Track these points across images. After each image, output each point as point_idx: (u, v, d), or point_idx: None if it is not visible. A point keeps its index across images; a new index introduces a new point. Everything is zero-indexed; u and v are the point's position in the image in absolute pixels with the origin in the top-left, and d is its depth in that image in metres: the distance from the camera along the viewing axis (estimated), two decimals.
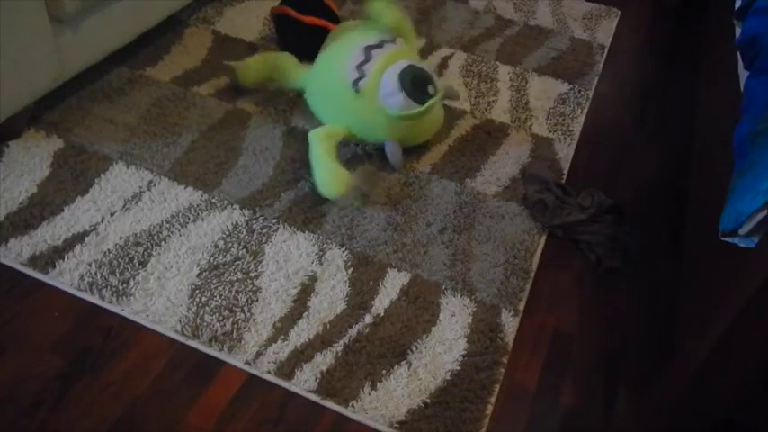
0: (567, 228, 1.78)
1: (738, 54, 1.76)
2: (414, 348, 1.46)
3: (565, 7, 2.85)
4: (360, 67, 1.82)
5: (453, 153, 1.99)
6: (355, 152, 1.93)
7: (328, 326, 1.48)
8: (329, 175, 1.73)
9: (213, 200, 1.73)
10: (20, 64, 1.68)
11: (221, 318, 1.46)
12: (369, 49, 1.85)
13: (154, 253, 1.57)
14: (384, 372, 1.41)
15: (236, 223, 1.68)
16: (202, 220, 1.67)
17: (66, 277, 1.49)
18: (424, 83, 1.81)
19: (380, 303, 1.54)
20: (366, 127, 1.87)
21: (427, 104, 1.78)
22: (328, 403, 1.35)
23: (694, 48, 2.67)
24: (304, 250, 1.64)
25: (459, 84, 2.28)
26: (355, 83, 1.81)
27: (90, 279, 1.49)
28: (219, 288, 1.52)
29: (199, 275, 1.54)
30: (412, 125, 1.86)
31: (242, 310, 1.48)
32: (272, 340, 1.43)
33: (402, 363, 1.43)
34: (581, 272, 1.71)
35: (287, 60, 2.03)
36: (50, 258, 1.52)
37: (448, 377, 1.42)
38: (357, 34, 1.93)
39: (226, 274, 1.55)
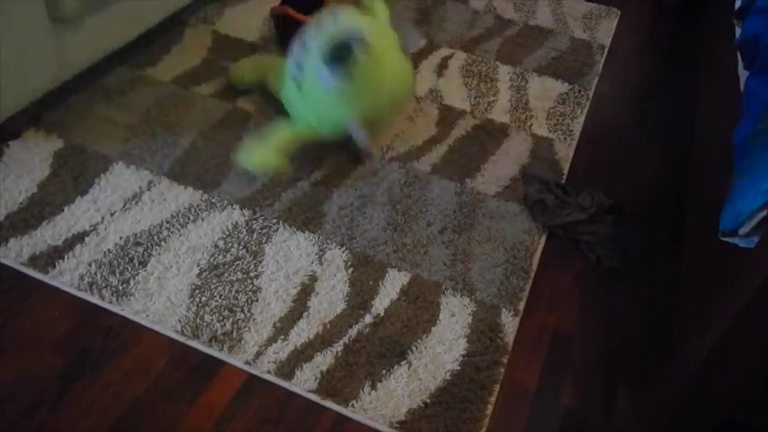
0: (567, 228, 1.78)
1: (738, 54, 1.76)
2: (414, 348, 1.46)
3: (565, 7, 2.85)
4: (299, 62, 1.75)
5: (453, 153, 1.99)
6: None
7: (328, 326, 1.48)
8: (260, 153, 1.75)
9: (213, 200, 1.73)
10: (20, 64, 1.68)
11: (221, 318, 1.46)
12: (305, 41, 1.74)
13: (154, 253, 1.57)
14: (384, 372, 1.41)
15: (236, 223, 1.68)
16: (202, 220, 1.67)
17: (67, 277, 1.49)
18: (346, 48, 1.63)
19: (380, 303, 1.54)
20: (325, 119, 1.79)
21: (353, 65, 1.63)
22: (328, 403, 1.35)
23: (694, 48, 2.67)
24: (304, 250, 1.64)
25: (459, 84, 2.28)
26: (298, 79, 1.76)
27: (90, 279, 1.49)
28: (219, 288, 1.52)
29: (199, 275, 1.54)
30: (365, 95, 1.73)
31: (242, 310, 1.48)
32: (272, 340, 1.43)
33: (402, 363, 1.43)
34: (581, 272, 1.71)
35: (277, 66, 2.00)
36: (50, 258, 1.52)
37: (448, 377, 1.42)
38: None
39: (226, 274, 1.55)
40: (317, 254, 1.63)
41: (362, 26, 1.69)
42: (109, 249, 1.56)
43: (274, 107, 2.05)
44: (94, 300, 1.47)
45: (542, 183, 1.88)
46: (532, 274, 1.67)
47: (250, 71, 2.06)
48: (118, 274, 1.51)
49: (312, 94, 1.76)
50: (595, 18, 2.81)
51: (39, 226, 1.59)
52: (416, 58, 2.37)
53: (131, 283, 1.50)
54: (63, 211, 1.64)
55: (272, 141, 1.77)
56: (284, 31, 2.24)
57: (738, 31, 1.89)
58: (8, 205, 1.63)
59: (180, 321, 1.44)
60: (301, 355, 1.41)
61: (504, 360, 1.47)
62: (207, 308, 1.48)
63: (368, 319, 1.51)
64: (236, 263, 1.58)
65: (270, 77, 2.02)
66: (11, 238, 1.55)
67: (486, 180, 1.91)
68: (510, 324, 1.54)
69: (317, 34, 1.71)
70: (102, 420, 1.27)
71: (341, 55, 1.64)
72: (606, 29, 2.75)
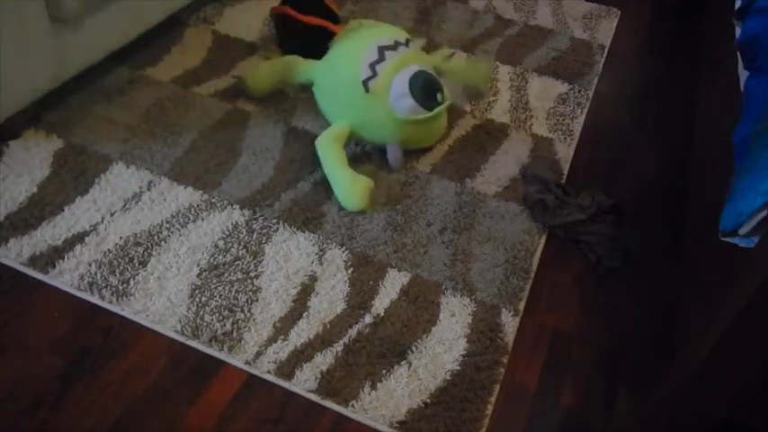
0: (567, 228, 1.78)
1: (738, 54, 1.76)
2: (414, 348, 1.46)
3: (565, 7, 2.85)
4: (373, 66, 1.82)
5: (453, 153, 1.99)
6: (355, 152, 1.93)
7: (328, 326, 1.48)
8: (350, 189, 1.74)
9: (213, 200, 1.73)
10: (20, 64, 1.68)
11: (221, 318, 1.46)
12: (382, 49, 1.85)
13: (154, 253, 1.57)
14: (384, 372, 1.41)
15: (236, 223, 1.68)
16: (202, 220, 1.67)
17: (67, 277, 1.49)
18: (434, 89, 1.83)
19: (380, 303, 1.54)
20: (371, 127, 1.87)
21: (435, 111, 1.80)
22: (328, 403, 1.35)
23: (694, 48, 2.67)
24: (304, 250, 1.64)
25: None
26: (366, 82, 1.81)
27: (90, 279, 1.49)
28: (219, 288, 1.52)
29: (199, 275, 1.54)
30: (417, 130, 1.87)
31: (242, 310, 1.48)
32: (272, 340, 1.43)
33: (402, 363, 1.43)
34: (581, 272, 1.71)
35: (294, 58, 2.03)
36: (50, 258, 1.52)
37: (448, 377, 1.42)
38: (372, 33, 1.92)
39: (226, 274, 1.55)
40: (316, 254, 1.63)
41: (433, 72, 1.90)
42: (109, 249, 1.56)
43: (274, 107, 2.05)
44: (94, 300, 1.47)
45: (542, 183, 1.88)
46: (532, 274, 1.67)
47: (269, 77, 2.05)
48: (118, 274, 1.51)
49: (377, 100, 1.82)
50: (595, 18, 2.81)
51: (39, 226, 1.59)
52: None
53: (131, 283, 1.50)
54: (63, 211, 1.64)
55: (341, 173, 1.78)
56: (284, 30, 2.24)
57: (738, 31, 1.89)
58: (8, 205, 1.63)
59: (180, 321, 1.44)
60: (301, 355, 1.41)
61: (504, 360, 1.47)
62: (207, 308, 1.48)
63: (368, 319, 1.51)
64: (236, 263, 1.58)
65: (287, 74, 2.02)
66: (11, 238, 1.55)
67: (486, 180, 1.91)
68: (510, 324, 1.54)
69: (397, 59, 1.84)
70: (102, 420, 1.27)
71: (428, 91, 1.81)
72: (606, 29, 2.75)
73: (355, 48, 1.89)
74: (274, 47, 2.30)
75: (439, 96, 1.83)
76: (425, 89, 1.80)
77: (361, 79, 1.82)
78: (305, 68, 2.00)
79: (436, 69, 2.00)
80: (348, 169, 1.78)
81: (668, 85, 2.49)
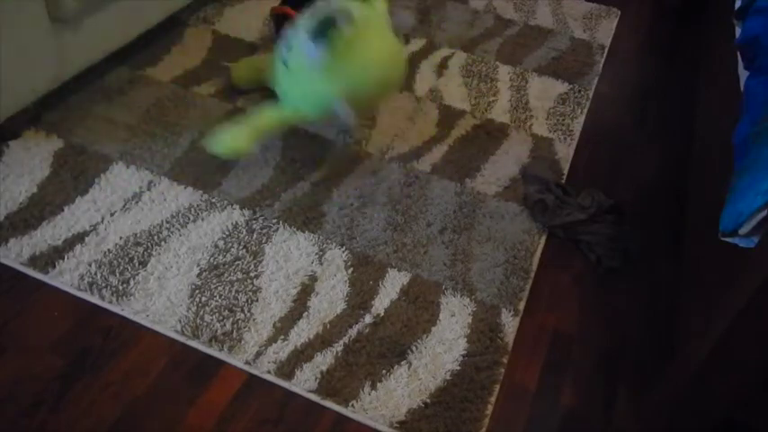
0: (567, 228, 1.78)
1: (738, 54, 1.76)
2: (414, 348, 1.46)
3: (565, 7, 2.85)
4: (288, 43, 1.72)
5: (453, 153, 1.99)
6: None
7: (328, 326, 1.48)
8: (231, 136, 1.71)
9: (213, 200, 1.73)
10: (20, 64, 1.68)
11: (221, 318, 1.46)
12: (297, 24, 1.72)
13: (154, 253, 1.57)
14: (384, 372, 1.41)
15: (236, 223, 1.68)
16: (202, 220, 1.67)
17: (67, 277, 1.49)
18: (332, 21, 1.59)
19: (380, 303, 1.54)
20: (311, 97, 1.73)
21: (337, 38, 1.58)
22: (328, 403, 1.35)
23: (694, 48, 2.67)
24: (304, 250, 1.64)
25: (459, 84, 2.28)
26: (285, 59, 1.72)
27: (90, 279, 1.49)
28: (219, 288, 1.52)
29: (199, 275, 1.54)
30: (351, 71, 1.67)
31: (242, 310, 1.48)
32: (272, 340, 1.43)
33: (402, 363, 1.43)
34: (581, 272, 1.71)
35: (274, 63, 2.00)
36: (50, 258, 1.52)
37: (448, 377, 1.42)
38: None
39: (226, 274, 1.55)
40: (316, 254, 1.63)
41: (351, 7, 1.65)
42: (109, 249, 1.56)
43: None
44: (94, 300, 1.46)
45: (542, 183, 1.88)
46: (532, 274, 1.67)
47: (250, 71, 2.06)
48: (118, 274, 1.51)
49: (298, 71, 1.70)
50: (595, 18, 2.81)
51: (39, 226, 1.59)
52: (416, 58, 2.37)
53: (131, 283, 1.50)
54: (63, 211, 1.64)
55: (248, 124, 1.73)
56: (284, 30, 2.24)
57: (738, 31, 1.89)
58: (8, 205, 1.63)
59: (180, 321, 1.44)
60: (301, 355, 1.41)
61: (504, 360, 1.47)
62: (207, 308, 1.48)
63: (368, 319, 1.51)
64: (236, 263, 1.58)
65: (270, 75, 2.01)
66: (11, 238, 1.55)
67: (486, 180, 1.91)
68: (510, 324, 1.54)
69: (308, 15, 1.68)
70: (102, 420, 1.27)
71: (326, 29, 1.58)
72: (606, 29, 2.75)
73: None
74: (274, 47, 2.29)
75: (340, 21, 1.59)
76: (321, 25, 1.59)
77: (282, 61, 1.73)
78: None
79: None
80: (245, 128, 1.73)
81: (668, 85, 2.49)
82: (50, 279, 1.49)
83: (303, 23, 1.66)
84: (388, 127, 2.05)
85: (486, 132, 2.09)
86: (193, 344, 1.41)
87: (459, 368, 1.43)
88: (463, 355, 1.46)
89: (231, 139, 1.72)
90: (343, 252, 1.64)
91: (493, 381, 1.42)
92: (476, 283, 1.62)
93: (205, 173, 1.80)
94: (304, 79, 1.71)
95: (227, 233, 1.65)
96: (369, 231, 1.71)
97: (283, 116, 1.80)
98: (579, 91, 2.34)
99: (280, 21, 2.23)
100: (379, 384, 1.38)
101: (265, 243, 1.64)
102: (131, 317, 1.44)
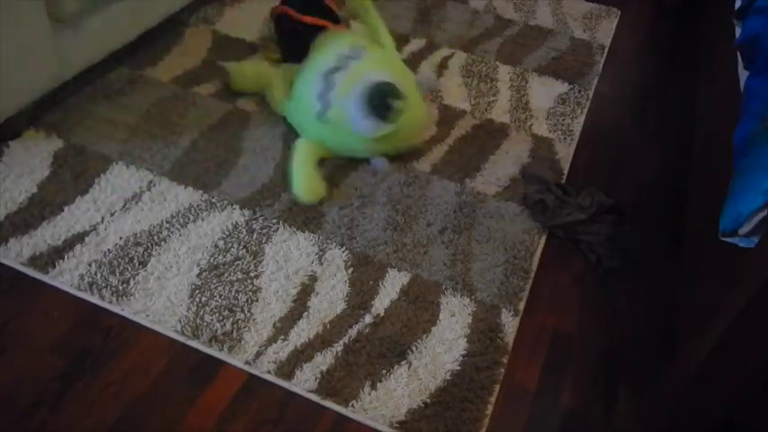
0: (567, 228, 1.78)
1: (738, 54, 1.76)
2: (414, 348, 1.46)
3: (565, 7, 2.85)
4: (322, 96, 1.81)
5: (453, 153, 1.99)
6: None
7: (328, 326, 1.48)
8: (306, 182, 1.75)
9: (213, 200, 1.73)
10: (20, 64, 1.68)
11: (221, 318, 1.46)
12: (327, 74, 1.82)
13: (154, 253, 1.57)
14: (384, 372, 1.41)
15: (236, 223, 1.68)
16: (202, 220, 1.67)
17: (66, 277, 1.49)
18: (385, 97, 1.75)
19: (380, 303, 1.54)
20: (346, 148, 1.88)
21: (398, 121, 1.76)
22: (328, 403, 1.35)
23: (694, 48, 2.67)
24: (304, 250, 1.64)
25: (459, 84, 2.28)
26: (321, 114, 1.81)
27: (90, 279, 1.49)
28: (219, 288, 1.52)
29: (199, 275, 1.54)
30: (392, 137, 1.83)
31: (242, 310, 1.48)
32: (272, 340, 1.43)
33: (402, 363, 1.43)
34: (581, 272, 1.71)
35: (277, 81, 2.02)
36: (50, 258, 1.52)
37: (448, 377, 1.42)
38: (318, 58, 1.89)
39: (226, 274, 1.55)
40: (317, 254, 1.63)
41: (388, 72, 1.82)
42: (109, 249, 1.56)
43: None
44: (94, 300, 1.47)
45: (542, 183, 1.88)
46: (532, 274, 1.67)
47: (247, 79, 2.05)
48: (118, 274, 1.51)
49: (339, 129, 1.82)
50: (595, 18, 2.81)
51: (39, 226, 1.59)
52: (416, 58, 2.37)
53: (131, 283, 1.50)
54: (63, 211, 1.64)
55: (305, 168, 1.78)
56: (284, 31, 2.24)
57: (738, 31, 1.89)
58: (8, 205, 1.63)
59: (180, 321, 1.44)
60: (301, 355, 1.41)
61: (504, 360, 1.47)
62: (207, 308, 1.48)
63: (368, 319, 1.51)
64: (236, 263, 1.58)
65: (269, 91, 2.02)
66: (11, 238, 1.55)
67: (486, 180, 1.91)
68: (510, 324, 1.54)
69: (346, 78, 1.79)
70: (102, 420, 1.27)
71: (381, 102, 1.75)
72: (606, 29, 2.75)
73: (306, 81, 1.87)
74: (274, 46, 2.30)
75: (394, 102, 1.76)
76: (377, 101, 1.75)
77: (316, 113, 1.81)
78: (278, 104, 1.99)
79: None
80: (313, 168, 1.79)
81: (668, 85, 2.49)
82: (50, 279, 1.49)
83: (356, 96, 1.75)
84: None
85: (486, 132, 2.09)
86: (193, 344, 1.41)
87: (459, 368, 1.43)
88: (463, 355, 1.46)
89: (311, 191, 1.76)
90: (343, 252, 1.64)
91: (493, 381, 1.42)
92: (476, 283, 1.62)
93: (205, 173, 1.80)
94: (344, 136, 1.83)
95: (227, 233, 1.65)
96: (369, 231, 1.71)
97: (322, 151, 1.86)
98: (579, 91, 2.34)
99: (280, 21, 2.23)
100: (379, 384, 1.38)
101: (265, 243, 1.64)
102: (131, 317, 1.44)
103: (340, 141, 1.86)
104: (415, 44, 2.45)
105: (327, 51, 1.89)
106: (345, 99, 1.77)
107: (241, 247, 1.62)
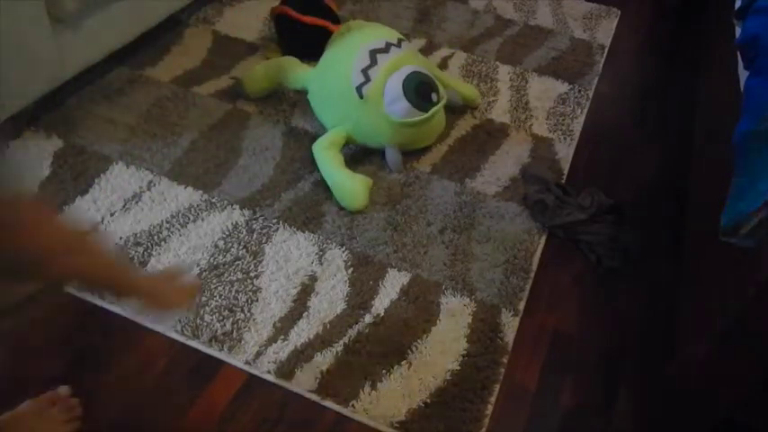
0: (567, 228, 1.78)
1: (738, 54, 1.76)
2: (414, 348, 1.46)
3: (565, 7, 2.85)
4: (365, 71, 1.82)
5: (453, 153, 1.99)
6: (354, 152, 1.93)
7: (328, 326, 1.48)
8: (349, 189, 1.74)
9: (213, 200, 1.73)
10: (20, 64, 1.68)
11: (221, 318, 1.46)
12: (374, 53, 1.84)
13: (154, 253, 1.57)
14: (384, 372, 1.41)
15: (236, 223, 1.68)
16: (202, 220, 1.67)
17: None
18: (428, 90, 1.82)
19: (380, 303, 1.54)
20: (368, 131, 1.87)
21: (431, 112, 1.80)
22: (328, 403, 1.35)
23: (694, 48, 2.66)
24: (304, 250, 1.64)
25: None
26: (359, 88, 1.81)
27: None
28: (219, 288, 1.52)
29: (199, 275, 1.54)
30: (415, 131, 1.87)
31: (242, 310, 1.48)
32: (272, 340, 1.43)
33: (402, 363, 1.43)
34: (581, 272, 1.71)
35: (288, 61, 2.03)
36: None
37: (448, 377, 1.42)
38: (363, 36, 1.92)
39: (226, 274, 1.55)
40: (317, 254, 1.63)
41: (428, 70, 1.89)
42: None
43: (274, 107, 2.05)
44: (94, 299, 1.46)
45: (542, 183, 1.88)
46: (532, 274, 1.67)
47: (264, 80, 2.03)
48: None
49: (371, 109, 1.83)
50: (595, 18, 2.81)
51: None
52: None
53: None
54: (63, 210, 1.64)
55: (339, 173, 1.77)
56: (284, 30, 2.24)
57: (738, 31, 1.89)
58: None
59: (180, 321, 1.44)
60: (301, 355, 1.41)
61: (504, 360, 1.47)
62: (207, 308, 1.48)
63: (368, 318, 1.51)
64: (236, 263, 1.58)
65: (282, 78, 2.02)
66: None
67: (486, 180, 1.91)
68: (510, 324, 1.54)
69: (390, 61, 1.84)
70: (102, 420, 1.27)
71: (422, 93, 1.80)
72: (606, 29, 2.75)
73: (347, 53, 1.88)
74: (274, 46, 2.30)
75: (434, 96, 1.83)
76: (419, 90, 1.80)
77: (354, 86, 1.82)
78: (298, 76, 1.99)
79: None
80: (345, 170, 1.78)
81: (668, 85, 2.49)
82: None
83: (398, 78, 1.79)
84: None
85: (487, 132, 2.09)
86: (193, 344, 1.41)
87: (458, 368, 1.43)
88: (463, 355, 1.46)
89: (359, 195, 1.75)
90: (343, 252, 1.64)
91: (493, 381, 1.42)
92: (476, 283, 1.62)
93: (205, 173, 1.80)
94: (372, 116, 1.83)
95: (227, 233, 1.65)
96: (369, 231, 1.71)
97: (343, 142, 1.86)
98: (579, 91, 2.34)
99: (280, 21, 2.23)
100: (379, 384, 1.38)
101: (265, 243, 1.64)
102: (131, 317, 1.44)
103: (365, 121, 1.84)
104: (416, 44, 2.45)
105: (372, 34, 1.92)
106: (387, 78, 1.80)
107: (241, 247, 1.62)
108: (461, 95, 2.11)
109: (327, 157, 1.80)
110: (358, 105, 1.83)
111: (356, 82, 1.82)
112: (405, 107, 1.78)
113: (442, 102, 1.85)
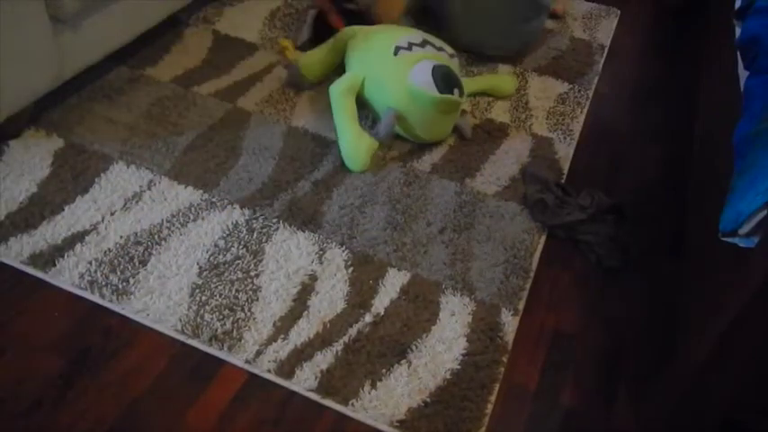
0: (567, 228, 1.78)
1: (738, 54, 1.76)
2: (414, 348, 1.46)
3: (565, 7, 2.84)
4: (410, 44, 1.95)
5: (453, 153, 1.99)
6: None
7: (328, 325, 1.48)
8: (354, 149, 1.83)
9: (213, 199, 1.73)
10: (20, 64, 1.68)
11: (221, 317, 1.46)
12: (411, 44, 1.96)
13: (154, 252, 1.57)
14: (384, 371, 1.41)
15: (237, 222, 1.68)
16: (202, 219, 1.67)
17: (67, 276, 1.49)
18: (453, 83, 1.88)
19: (380, 302, 1.54)
20: (381, 86, 1.93)
21: (444, 96, 1.84)
22: (328, 402, 1.35)
23: (694, 48, 2.67)
24: (304, 249, 1.64)
25: None
26: (398, 49, 1.92)
27: (90, 278, 1.49)
28: (220, 287, 1.52)
29: (199, 274, 1.54)
30: (419, 110, 1.89)
31: (242, 310, 1.48)
32: (272, 339, 1.43)
33: (402, 362, 1.43)
34: (581, 272, 1.71)
35: (336, 38, 2.13)
36: (51, 257, 1.52)
37: (448, 376, 1.42)
38: (402, 30, 2.06)
39: (226, 274, 1.55)
40: (317, 253, 1.63)
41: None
42: (109, 248, 1.56)
43: (274, 107, 2.05)
44: (95, 299, 1.47)
45: (542, 183, 1.88)
46: (532, 274, 1.67)
47: (322, 65, 2.13)
48: (118, 273, 1.51)
49: (396, 69, 1.90)
50: (595, 18, 2.81)
51: (39, 225, 1.59)
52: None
53: (131, 282, 1.50)
54: (63, 210, 1.64)
55: (349, 127, 1.87)
56: (319, 29, 2.26)
57: (738, 31, 1.89)
58: (8, 205, 1.63)
59: (180, 320, 1.44)
60: (301, 355, 1.41)
61: (504, 359, 1.47)
62: (207, 307, 1.48)
63: (368, 318, 1.51)
64: (237, 262, 1.58)
65: (339, 55, 2.12)
66: (11, 237, 1.55)
67: (486, 180, 1.91)
68: (510, 323, 1.54)
69: (422, 52, 1.95)
70: (102, 420, 1.27)
71: (447, 82, 1.86)
72: (606, 29, 2.75)
73: (391, 34, 2.02)
74: (274, 46, 2.30)
75: (456, 91, 1.87)
76: (445, 79, 1.86)
77: (395, 44, 1.93)
78: (347, 31, 2.11)
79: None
80: (356, 126, 1.87)
81: (668, 85, 2.49)
82: (50, 278, 1.49)
83: (433, 64, 1.88)
84: None
85: (486, 132, 2.09)
86: (194, 343, 1.41)
87: (458, 367, 1.44)
88: (463, 355, 1.46)
89: (363, 155, 1.85)
90: (343, 251, 1.64)
91: (493, 380, 1.42)
92: (475, 282, 1.62)
93: (205, 172, 1.80)
94: (393, 76, 1.91)
95: (227, 232, 1.65)
96: (369, 231, 1.71)
97: (358, 85, 1.96)
98: (579, 91, 2.34)
99: (319, 20, 2.27)
100: (379, 383, 1.38)
101: (265, 242, 1.64)
102: (132, 316, 1.44)
103: (385, 75, 1.92)
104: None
105: (407, 31, 2.06)
106: (423, 58, 1.91)
107: (241, 247, 1.62)
108: (498, 89, 2.22)
109: (343, 104, 1.90)
110: (387, 59, 1.92)
111: (399, 43, 1.93)
112: (427, 81, 1.84)
113: (460, 99, 1.89)
